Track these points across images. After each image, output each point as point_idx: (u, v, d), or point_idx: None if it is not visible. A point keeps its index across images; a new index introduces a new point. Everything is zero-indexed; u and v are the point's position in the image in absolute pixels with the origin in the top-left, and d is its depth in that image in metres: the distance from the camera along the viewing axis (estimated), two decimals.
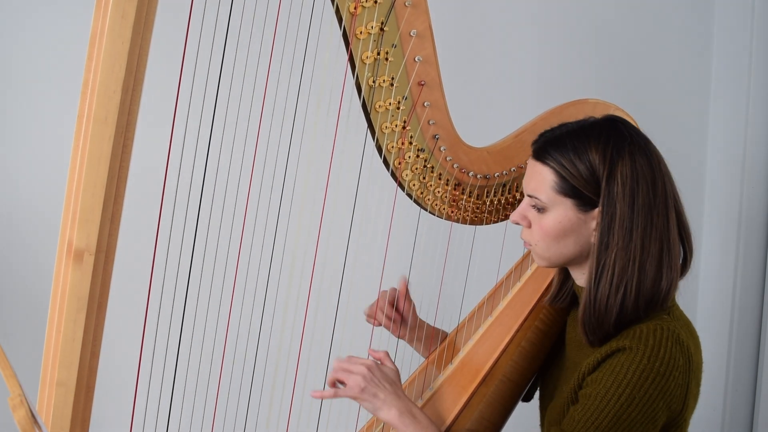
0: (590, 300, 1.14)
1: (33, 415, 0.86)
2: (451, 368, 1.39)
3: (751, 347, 2.47)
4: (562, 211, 1.15)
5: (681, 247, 1.16)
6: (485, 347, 1.39)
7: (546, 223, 1.17)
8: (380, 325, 1.45)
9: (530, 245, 1.22)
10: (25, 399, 0.86)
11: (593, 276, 1.13)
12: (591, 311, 1.14)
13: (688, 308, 2.49)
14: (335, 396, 1.16)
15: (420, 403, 1.35)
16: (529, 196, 1.19)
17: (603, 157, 1.12)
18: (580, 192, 1.13)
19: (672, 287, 1.14)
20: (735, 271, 2.45)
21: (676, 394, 1.06)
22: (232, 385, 1.38)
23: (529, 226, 1.20)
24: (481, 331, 1.44)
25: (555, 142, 1.16)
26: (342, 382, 1.17)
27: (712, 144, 2.51)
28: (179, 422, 1.31)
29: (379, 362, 1.21)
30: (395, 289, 1.45)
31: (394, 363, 1.23)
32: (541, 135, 1.20)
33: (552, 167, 1.15)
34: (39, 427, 0.87)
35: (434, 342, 1.51)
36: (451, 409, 1.30)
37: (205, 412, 1.36)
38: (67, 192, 1.04)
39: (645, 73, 2.41)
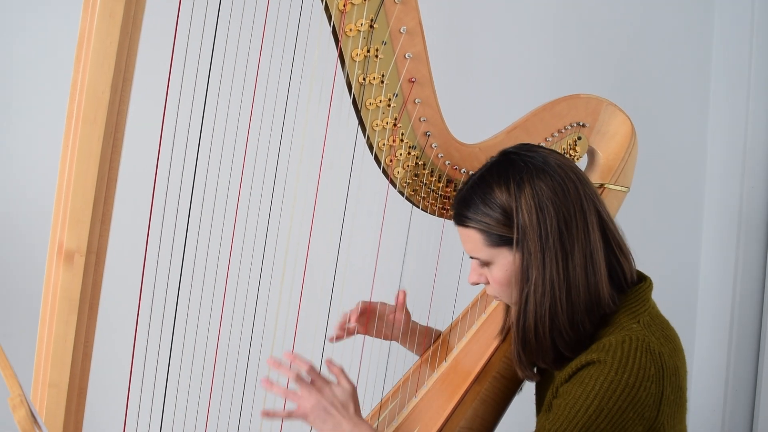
0: (519, 334, 1.16)
1: (33, 415, 0.86)
2: (444, 366, 1.39)
3: (751, 347, 2.48)
4: (502, 259, 1.17)
5: (608, 249, 1.16)
6: (479, 345, 1.39)
7: (496, 276, 1.18)
8: (349, 336, 1.45)
9: (496, 298, 1.24)
10: (25, 399, 0.86)
11: (519, 310, 1.15)
12: (520, 346, 1.17)
13: (688, 308, 2.52)
14: (288, 417, 1.18)
15: (414, 401, 1.35)
16: (471, 257, 1.21)
17: (508, 194, 1.13)
18: (506, 237, 1.15)
19: (604, 289, 1.13)
20: (735, 271, 2.46)
21: (648, 403, 1.06)
22: (225, 385, 1.38)
23: (487, 282, 1.22)
24: (474, 328, 1.44)
25: (464, 202, 1.18)
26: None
27: (712, 144, 2.51)
28: (172, 423, 1.31)
29: (333, 383, 1.22)
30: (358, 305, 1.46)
31: (349, 380, 1.23)
32: (454, 199, 1.23)
33: (473, 227, 1.17)
34: (39, 427, 0.86)
35: (428, 341, 1.51)
36: (446, 407, 1.30)
37: (198, 412, 1.36)
38: (57, 193, 1.03)
39: (645, 73, 2.41)
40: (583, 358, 1.11)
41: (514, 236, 1.13)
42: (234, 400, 1.41)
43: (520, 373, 1.24)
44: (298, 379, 1.18)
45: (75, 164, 0.99)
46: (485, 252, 1.17)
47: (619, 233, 1.19)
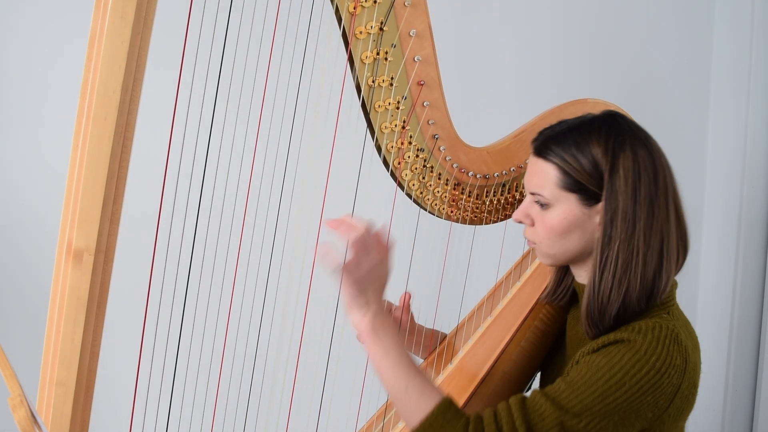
0: (594, 293, 1.14)
1: (33, 415, 0.86)
2: (450, 368, 1.39)
3: (751, 347, 2.47)
4: (567, 206, 1.15)
5: (678, 241, 1.15)
6: (485, 347, 1.39)
7: (550, 220, 1.16)
8: None
9: (534, 243, 1.22)
10: (25, 399, 0.86)
11: (597, 268, 1.13)
12: (594, 304, 1.14)
13: (688, 308, 2.51)
14: (334, 265, 1.05)
15: None
16: (532, 193, 1.18)
17: (605, 150, 1.12)
18: (584, 186, 1.13)
19: (670, 281, 1.14)
20: (735, 271, 2.45)
21: (666, 391, 1.06)
22: (231, 384, 1.38)
23: (532, 224, 1.20)
24: (480, 331, 1.44)
25: (556, 138, 1.16)
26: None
27: (712, 144, 2.51)
28: (179, 422, 1.31)
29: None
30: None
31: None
32: (541, 132, 1.20)
33: (555, 163, 1.15)
34: (39, 427, 0.87)
35: (433, 343, 1.51)
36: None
37: (204, 412, 1.36)
38: (66, 192, 1.04)
39: (645, 73, 2.41)
40: (611, 336, 1.10)
41: (603, 193, 1.12)
42: (240, 400, 1.41)
43: (588, 333, 1.18)
44: (358, 242, 1.06)
45: (85, 163, 0.99)
46: (552, 191, 1.15)
47: (688, 234, 1.18)
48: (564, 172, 1.14)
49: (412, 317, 1.48)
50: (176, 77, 1.06)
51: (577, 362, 1.12)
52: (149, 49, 1.01)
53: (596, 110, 1.50)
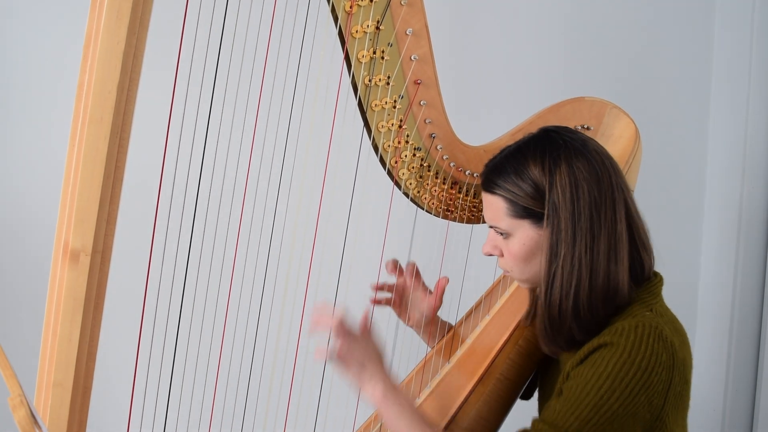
0: (545, 309, 1.16)
1: (33, 415, 0.86)
2: (448, 367, 1.39)
3: (751, 347, 2.47)
4: (523, 232, 1.17)
5: (631, 240, 1.16)
6: (482, 346, 1.39)
7: (513, 248, 1.19)
8: (387, 303, 1.46)
9: (508, 272, 1.25)
10: (25, 399, 0.86)
11: (545, 286, 1.15)
12: (547, 320, 1.16)
13: (689, 308, 2.52)
14: (330, 358, 1.14)
15: (418, 402, 1.35)
16: (491, 226, 1.21)
17: (542, 170, 1.14)
18: (532, 210, 1.15)
19: (623, 281, 1.14)
20: (735, 271, 2.45)
21: (658, 389, 1.06)
22: (229, 384, 1.38)
23: (501, 254, 1.22)
24: (478, 329, 1.44)
25: (496, 170, 1.19)
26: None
27: (712, 144, 2.51)
28: (176, 423, 1.31)
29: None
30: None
31: (378, 336, 1.21)
32: (486, 165, 1.23)
33: (500, 195, 1.17)
34: (39, 427, 0.86)
35: (441, 335, 1.51)
36: (449, 407, 1.30)
37: (202, 412, 1.36)
38: (62, 192, 1.04)
39: (645, 73, 2.41)
40: (595, 342, 1.11)
41: (545, 212, 1.13)
42: (238, 402, 1.41)
43: (545, 348, 1.22)
44: (340, 329, 1.14)
45: (81, 164, 0.99)
46: (506, 222, 1.18)
47: (644, 229, 1.19)
48: (510, 201, 1.16)
49: (439, 305, 1.48)
50: (172, 77, 1.06)
51: (568, 376, 1.14)
52: (145, 49, 1.01)
53: (593, 109, 1.51)
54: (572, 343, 1.17)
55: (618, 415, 1.05)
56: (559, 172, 1.13)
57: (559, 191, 1.12)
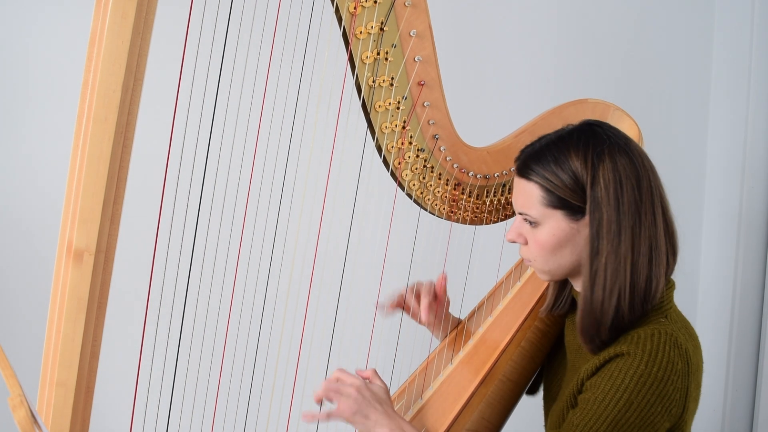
0: (587, 307, 1.14)
1: (33, 415, 0.86)
2: (450, 368, 1.39)
3: (751, 347, 2.47)
4: (554, 223, 1.15)
5: (667, 244, 1.15)
6: (485, 347, 1.39)
7: (540, 238, 1.17)
8: (407, 311, 1.44)
9: (530, 261, 1.23)
10: (25, 399, 0.86)
11: (588, 282, 1.13)
12: (589, 318, 1.14)
13: (688, 308, 2.51)
14: (328, 419, 1.17)
15: (419, 403, 1.35)
16: (520, 213, 1.20)
17: (584, 163, 1.12)
18: (568, 202, 1.14)
19: (661, 283, 1.14)
20: (735, 271, 2.45)
21: (675, 398, 1.06)
22: (232, 385, 1.38)
23: (526, 242, 1.21)
24: (480, 331, 1.44)
25: (535, 157, 1.17)
26: (331, 400, 1.18)
27: (712, 144, 2.51)
28: (179, 422, 1.31)
29: (368, 381, 1.21)
30: (431, 283, 1.44)
31: (382, 380, 1.23)
32: (522, 151, 1.21)
33: (536, 182, 1.15)
34: (39, 427, 0.86)
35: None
36: (451, 409, 1.30)
37: (204, 412, 1.36)
38: (66, 192, 1.04)
39: (645, 73, 2.41)
40: (611, 350, 1.10)
41: (587, 206, 1.12)
42: (240, 400, 1.41)
43: (585, 347, 1.18)
44: (333, 390, 1.17)
45: (85, 163, 0.99)
46: (537, 210, 1.16)
47: (676, 233, 1.18)
48: (546, 190, 1.15)
49: (448, 306, 1.48)
50: (177, 77, 1.06)
51: (583, 386, 1.13)
52: (150, 49, 1.01)
53: (596, 111, 1.51)
54: (603, 345, 1.14)
55: (636, 427, 1.06)
56: (603, 167, 1.11)
57: (602, 186, 1.11)
